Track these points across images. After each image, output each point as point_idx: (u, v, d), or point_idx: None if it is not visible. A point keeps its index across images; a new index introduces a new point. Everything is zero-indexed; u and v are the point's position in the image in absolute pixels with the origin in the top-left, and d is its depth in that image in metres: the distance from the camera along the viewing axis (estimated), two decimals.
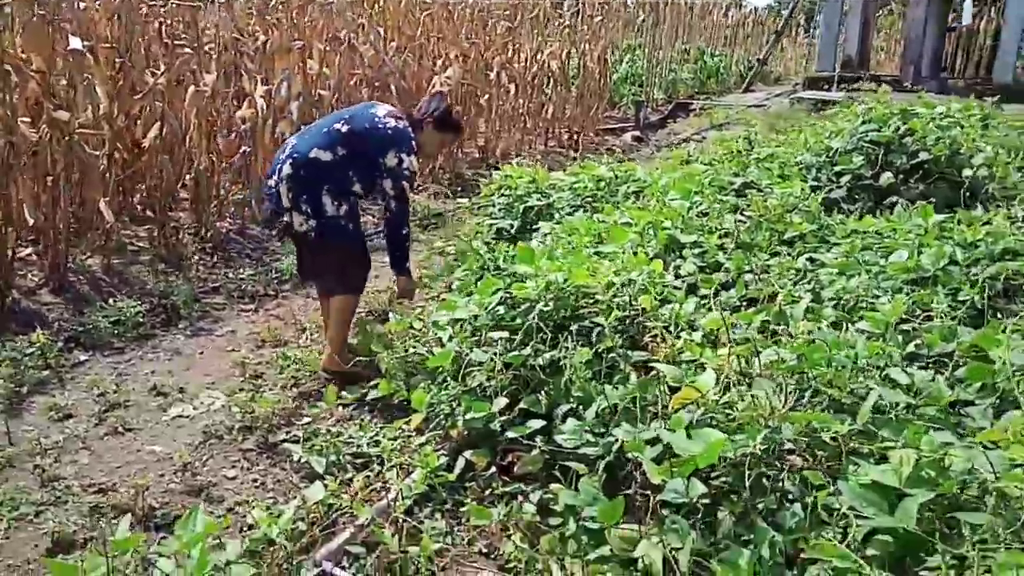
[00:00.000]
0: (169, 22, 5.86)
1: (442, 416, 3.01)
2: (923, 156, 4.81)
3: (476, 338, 3.10)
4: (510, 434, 2.77)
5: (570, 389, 2.81)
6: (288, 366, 3.91)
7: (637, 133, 12.03)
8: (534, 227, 4.76)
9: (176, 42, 5.66)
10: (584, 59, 10.80)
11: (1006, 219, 3.86)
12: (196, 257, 5.58)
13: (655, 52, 13.32)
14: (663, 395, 2.44)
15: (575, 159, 10.14)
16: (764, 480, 2.13)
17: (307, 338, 4.38)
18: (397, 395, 3.31)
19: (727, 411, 2.27)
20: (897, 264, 3.20)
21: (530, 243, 3.97)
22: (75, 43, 4.50)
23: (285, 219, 3.62)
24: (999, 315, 2.94)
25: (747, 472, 2.07)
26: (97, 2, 5.39)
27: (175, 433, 3.37)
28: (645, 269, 3.20)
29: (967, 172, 4.84)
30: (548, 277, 3.11)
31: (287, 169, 3.54)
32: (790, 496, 2.11)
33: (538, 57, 9.64)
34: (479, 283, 3.43)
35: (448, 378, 3.08)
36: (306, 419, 3.42)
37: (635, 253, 3.47)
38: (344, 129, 3.61)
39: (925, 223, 3.87)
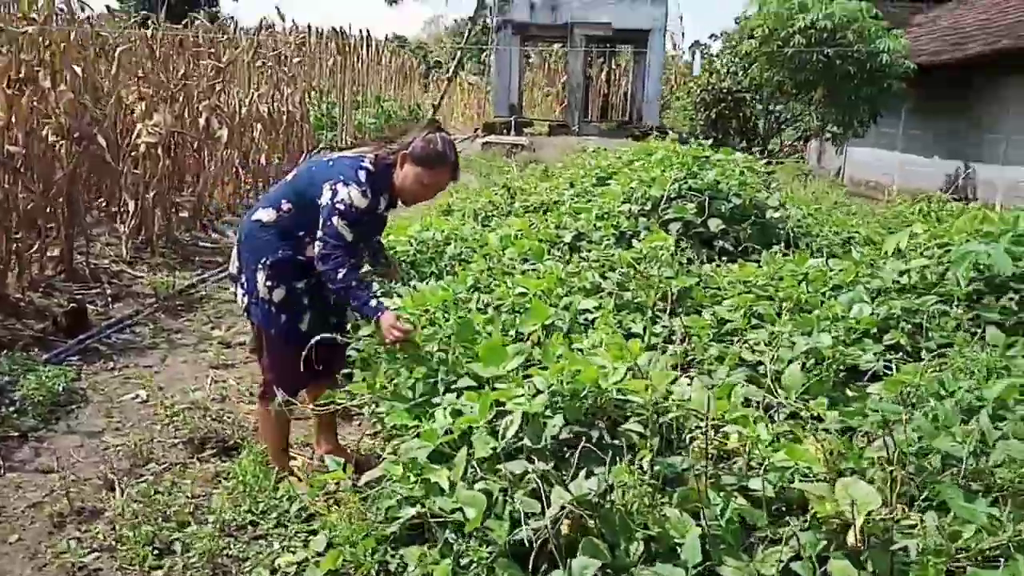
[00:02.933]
0: None
1: None
2: (735, 201, 5.03)
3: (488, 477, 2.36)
4: None
5: (629, 524, 2.25)
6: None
7: None
8: None
9: None
10: (287, 103, 9.84)
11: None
12: None
13: (347, 97, 12.73)
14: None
15: None
16: None
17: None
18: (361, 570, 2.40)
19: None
20: (865, 318, 3.17)
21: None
22: None
23: (232, 288, 3.14)
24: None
25: None
26: None
27: None
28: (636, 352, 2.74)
29: (770, 214, 5.18)
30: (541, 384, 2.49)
31: (240, 233, 3.05)
32: None
33: (249, 100, 8.51)
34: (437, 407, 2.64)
35: (456, 535, 2.29)
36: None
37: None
38: (290, 178, 3.03)
39: (798, 268, 3.99)
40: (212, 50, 8.21)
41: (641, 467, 2.36)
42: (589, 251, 4.81)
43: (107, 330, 5.02)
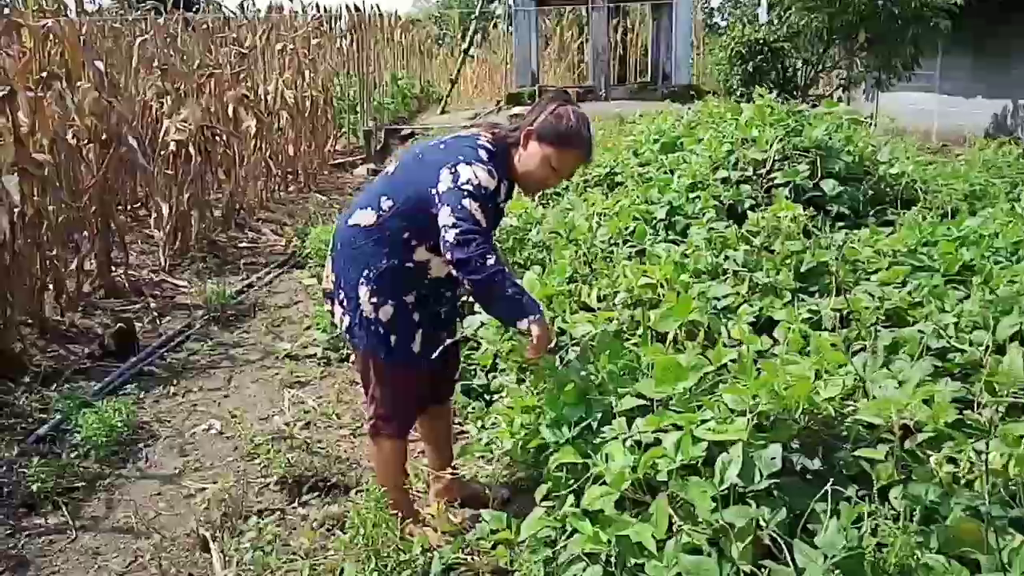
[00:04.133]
0: None
1: None
2: (846, 159, 4.49)
3: None
4: None
5: None
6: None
7: (372, 166, 10.81)
8: None
9: None
10: (310, 88, 9.30)
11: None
12: None
13: (367, 77, 12.16)
14: None
15: (329, 204, 8.69)
16: None
17: None
18: None
19: None
20: None
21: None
22: None
23: (327, 307, 2.68)
24: None
25: None
26: None
27: None
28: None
29: (883, 170, 4.64)
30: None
31: (332, 241, 2.62)
32: None
33: (275, 87, 7.98)
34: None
35: None
36: None
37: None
38: (391, 170, 2.56)
39: (954, 231, 3.48)
40: (234, 35, 7.66)
41: (889, 504, 1.88)
42: (686, 227, 4.32)
43: (160, 350, 4.57)
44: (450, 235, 2.20)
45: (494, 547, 2.35)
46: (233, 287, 5.64)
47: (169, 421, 3.70)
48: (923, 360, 2.59)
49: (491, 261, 2.17)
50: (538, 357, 2.32)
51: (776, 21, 12.28)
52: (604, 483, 2.01)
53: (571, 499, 2.05)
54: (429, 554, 2.41)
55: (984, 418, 2.08)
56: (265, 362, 4.37)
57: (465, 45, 15.93)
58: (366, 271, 2.44)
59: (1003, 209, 3.75)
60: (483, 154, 2.35)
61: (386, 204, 2.43)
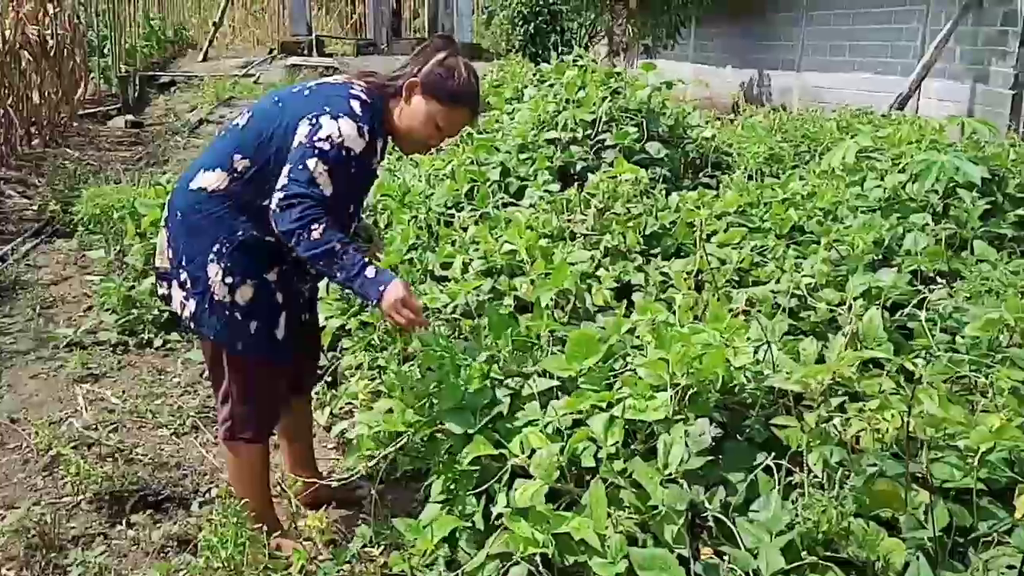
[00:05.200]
0: None
1: None
2: (667, 123, 4.60)
3: None
4: None
5: None
6: None
7: (131, 116, 9.55)
8: None
9: None
10: (54, 24, 7.97)
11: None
12: None
13: (119, 14, 10.62)
14: None
15: (85, 161, 7.57)
16: None
17: None
18: None
19: None
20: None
21: None
22: None
23: (162, 290, 2.21)
24: None
25: None
26: None
27: None
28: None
29: (697, 133, 4.81)
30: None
31: (164, 210, 2.18)
32: None
33: (13, 22, 6.69)
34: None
35: None
36: None
37: None
38: (243, 122, 2.11)
39: (780, 192, 3.68)
40: None
41: (808, 471, 1.89)
42: (520, 188, 4.20)
43: None
44: (274, 200, 1.90)
45: (384, 553, 2.11)
46: None
47: None
48: (780, 319, 2.69)
49: (318, 231, 1.88)
50: (407, 327, 2.04)
51: None
52: (530, 476, 1.84)
53: (501, 497, 1.84)
54: (309, 569, 2.10)
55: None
56: (42, 352, 3.65)
57: None
58: (217, 245, 2.03)
59: (813, 172, 4.01)
60: (356, 106, 2.02)
61: (241, 164, 2.03)
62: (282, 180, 1.92)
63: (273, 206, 1.91)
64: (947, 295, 2.74)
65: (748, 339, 2.14)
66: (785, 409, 2.08)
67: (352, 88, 2.07)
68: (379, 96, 2.11)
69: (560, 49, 13.42)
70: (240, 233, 2.03)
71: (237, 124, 2.11)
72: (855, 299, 2.70)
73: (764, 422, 2.05)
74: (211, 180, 2.05)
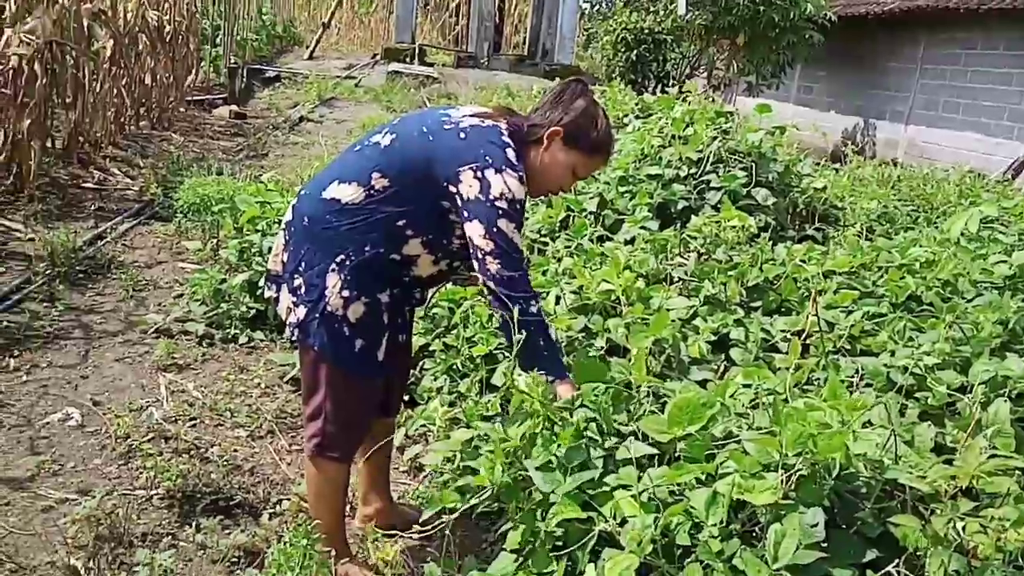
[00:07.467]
0: None
1: None
2: (777, 169, 4.42)
3: None
4: None
5: None
6: None
7: (236, 107, 9.83)
8: None
9: None
10: (173, 11, 8.26)
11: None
12: None
13: (233, 6, 10.99)
14: None
15: (188, 147, 7.80)
16: None
17: None
18: None
19: None
20: None
21: None
22: None
23: (270, 292, 2.20)
24: None
25: None
26: None
27: None
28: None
29: (807, 182, 4.62)
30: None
31: (287, 214, 2.16)
32: None
33: (135, 5, 6.95)
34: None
35: None
36: None
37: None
38: (386, 142, 2.06)
39: (898, 257, 3.47)
40: None
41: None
42: (617, 222, 4.08)
43: None
44: (492, 266, 1.94)
45: None
46: (81, 237, 4.82)
47: (13, 404, 3.01)
48: (894, 398, 2.50)
49: (534, 308, 1.99)
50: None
51: (662, 12, 12.33)
52: (620, 547, 1.72)
53: (589, 568, 1.72)
54: None
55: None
56: (129, 336, 3.71)
57: None
58: (342, 256, 2.00)
59: (933, 238, 3.77)
60: (511, 156, 1.99)
61: (380, 182, 2.00)
62: (485, 242, 1.93)
63: (492, 271, 1.94)
64: None
65: (869, 423, 1.97)
66: (900, 505, 1.91)
67: (503, 134, 2.03)
68: (520, 141, 2.06)
69: (660, 80, 13.28)
70: (368, 248, 2.00)
71: (377, 143, 2.07)
72: (979, 384, 2.49)
73: (878, 515, 1.88)
74: (347, 193, 2.01)
